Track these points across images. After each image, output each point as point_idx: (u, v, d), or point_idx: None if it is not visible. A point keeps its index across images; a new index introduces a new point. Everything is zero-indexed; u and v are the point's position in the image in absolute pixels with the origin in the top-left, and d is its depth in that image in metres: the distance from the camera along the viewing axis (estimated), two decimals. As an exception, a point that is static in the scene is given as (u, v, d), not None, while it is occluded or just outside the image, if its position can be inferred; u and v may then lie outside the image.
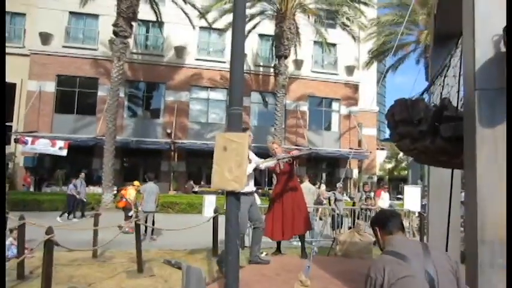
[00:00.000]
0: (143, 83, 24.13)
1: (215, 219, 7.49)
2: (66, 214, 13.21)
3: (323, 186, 14.61)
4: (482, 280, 1.97)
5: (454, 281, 1.80)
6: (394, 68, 25.53)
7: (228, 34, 21.81)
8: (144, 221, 8.84)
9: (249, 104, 24.58)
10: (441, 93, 3.60)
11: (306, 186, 9.28)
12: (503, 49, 1.96)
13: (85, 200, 14.37)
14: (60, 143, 18.75)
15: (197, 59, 24.36)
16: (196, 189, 22.28)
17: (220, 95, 24.70)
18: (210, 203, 17.35)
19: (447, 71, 3.62)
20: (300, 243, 5.75)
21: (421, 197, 11.75)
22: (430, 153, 3.03)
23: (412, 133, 2.95)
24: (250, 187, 4.82)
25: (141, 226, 7.52)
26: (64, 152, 18.67)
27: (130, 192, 11.09)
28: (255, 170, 4.93)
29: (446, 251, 2.12)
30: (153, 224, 9.62)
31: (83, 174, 14.95)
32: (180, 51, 23.84)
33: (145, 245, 7.61)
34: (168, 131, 22.84)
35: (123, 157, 22.55)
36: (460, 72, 3.40)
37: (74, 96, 22.89)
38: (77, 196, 13.65)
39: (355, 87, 27.04)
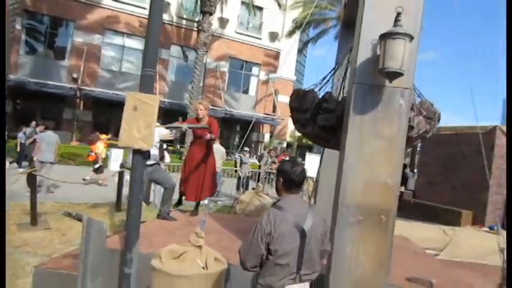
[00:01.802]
0: (47, 16, 21.37)
1: (121, 174, 7.46)
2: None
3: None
4: (338, 235, 2.50)
5: (320, 241, 2.21)
6: (315, 41, 26.53)
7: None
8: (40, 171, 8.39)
9: (168, 57, 23.73)
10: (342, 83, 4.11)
11: (216, 147, 9.59)
12: (378, 52, 2.38)
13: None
14: None
15: (115, 0, 22.33)
16: (102, 141, 21.26)
17: (137, 44, 23.22)
18: (116, 156, 16.86)
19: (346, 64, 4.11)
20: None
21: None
22: (311, 137, 3.65)
23: (300, 120, 3.45)
24: (151, 159, 4.88)
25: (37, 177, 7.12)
26: None
27: (98, 145, 11.35)
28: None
29: (333, 214, 2.59)
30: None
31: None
32: (96, -13, 21.62)
33: (41, 197, 7.12)
34: (75, 75, 20.88)
35: (16, 99, 20.34)
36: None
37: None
38: None
39: (276, 54, 27.59)
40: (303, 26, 24.26)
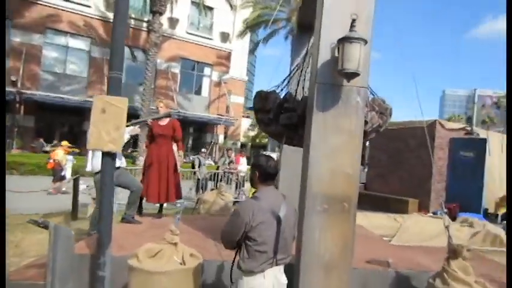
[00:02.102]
0: (-22, 13, 19.95)
1: (76, 181, 7.23)
2: None
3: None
4: (306, 222, 2.71)
5: (293, 228, 2.48)
6: (265, 41, 26.94)
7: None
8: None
9: (115, 58, 23.04)
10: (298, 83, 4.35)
11: (175, 149, 9.55)
12: (336, 54, 2.62)
13: None
14: None
15: (56, -3, 21.08)
16: (47, 148, 19.64)
17: (82, 44, 22.32)
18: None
19: (302, 65, 4.35)
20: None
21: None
22: (275, 136, 3.92)
23: (264, 120, 3.67)
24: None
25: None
26: None
27: (57, 152, 10.89)
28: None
29: (300, 204, 2.82)
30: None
31: None
32: (34, -16, 20.27)
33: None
34: (13, 78, 19.44)
35: None
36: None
37: None
38: None
39: (227, 55, 27.70)
40: (254, 26, 24.64)
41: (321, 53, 2.69)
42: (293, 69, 4.35)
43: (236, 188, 10.67)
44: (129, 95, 22.96)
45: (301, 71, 4.23)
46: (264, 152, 17.03)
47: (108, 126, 2.88)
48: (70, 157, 12.38)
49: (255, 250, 2.26)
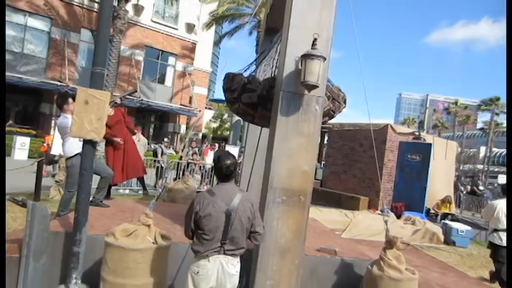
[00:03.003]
0: None
1: (40, 164, 7.26)
2: None
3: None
4: (267, 213, 3.12)
5: (247, 222, 2.63)
6: (230, 35, 27.12)
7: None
8: None
9: (77, 41, 22.37)
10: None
11: (138, 137, 9.70)
12: (299, 67, 3.04)
13: None
14: None
15: (14, -26, 20.19)
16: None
17: (41, 24, 21.43)
18: (22, 145, 15.70)
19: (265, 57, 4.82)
20: (126, 191, 6.30)
21: (238, 155, 13.65)
22: (239, 114, 4.40)
23: (230, 99, 4.09)
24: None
25: None
26: None
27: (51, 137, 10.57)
28: None
29: (262, 196, 3.16)
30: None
31: None
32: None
33: None
34: (-34, 55, 18.73)
35: None
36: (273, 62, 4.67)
37: None
38: None
39: (192, 46, 27.61)
40: (220, 19, 24.74)
41: (286, 64, 3.11)
42: (258, 56, 4.79)
43: (202, 179, 10.98)
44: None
45: (264, 58, 4.70)
46: (225, 146, 17.35)
47: (91, 117, 3.13)
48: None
49: (202, 237, 2.57)
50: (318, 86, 2.99)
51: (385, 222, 4.36)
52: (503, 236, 5.36)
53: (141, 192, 8.64)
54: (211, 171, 11.12)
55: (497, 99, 51.45)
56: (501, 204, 5.53)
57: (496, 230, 5.50)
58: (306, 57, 2.94)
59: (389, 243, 3.83)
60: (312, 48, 2.97)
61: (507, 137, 7.80)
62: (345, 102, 4.21)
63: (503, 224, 5.39)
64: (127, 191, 9.00)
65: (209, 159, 11.75)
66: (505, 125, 58.19)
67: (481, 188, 17.14)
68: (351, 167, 12.62)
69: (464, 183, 17.96)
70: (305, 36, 3.05)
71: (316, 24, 3.09)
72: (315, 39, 2.99)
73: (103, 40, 3.29)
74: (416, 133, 12.72)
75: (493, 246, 5.59)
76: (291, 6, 3.11)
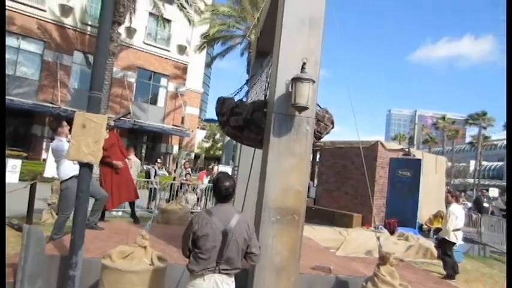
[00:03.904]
0: None
1: (33, 186, 7.22)
2: None
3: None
4: (262, 232, 3.18)
5: (243, 244, 2.66)
6: (222, 56, 27.50)
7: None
8: None
9: (70, 63, 22.51)
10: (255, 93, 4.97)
11: (132, 158, 9.72)
12: (290, 90, 3.17)
13: None
14: None
15: (10, -1, 20.48)
16: (-8, 150, 19.13)
17: (34, 47, 21.61)
18: (13, 167, 15.57)
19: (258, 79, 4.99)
20: (119, 213, 6.29)
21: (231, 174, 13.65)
22: (230, 135, 4.66)
23: (221, 121, 4.34)
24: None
25: None
26: None
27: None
28: None
29: (257, 215, 3.21)
30: None
31: None
32: (-16, -16, 19.62)
33: None
34: (-41, 78, 18.72)
35: None
36: (266, 85, 4.84)
37: None
38: None
39: (184, 67, 27.91)
40: (212, 41, 25.13)
41: (278, 87, 3.24)
42: (249, 78, 4.95)
43: (198, 200, 10.98)
44: (82, 102, 22.40)
45: (256, 80, 4.88)
46: (218, 166, 17.36)
47: (88, 140, 3.20)
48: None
49: (198, 256, 2.62)
50: (308, 108, 3.11)
51: (378, 238, 4.43)
52: (458, 234, 7.14)
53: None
54: (206, 192, 11.13)
55: (484, 113, 52.42)
56: (457, 209, 7.23)
57: (454, 230, 7.03)
58: (296, 80, 3.07)
59: (383, 259, 3.89)
60: (301, 72, 3.10)
61: (507, 137, 8.08)
62: (332, 123, 4.35)
63: (458, 225, 7.10)
64: (120, 213, 8.96)
65: (202, 185, 11.72)
66: (493, 138, 59.21)
67: (485, 205, 16.90)
68: (343, 184, 12.72)
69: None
70: (294, 60, 3.20)
71: (305, 49, 3.24)
72: (304, 63, 3.13)
73: (100, 65, 3.39)
74: (406, 149, 12.91)
75: (447, 243, 7.11)
76: (280, 32, 3.26)
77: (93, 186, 5.27)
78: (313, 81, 3.09)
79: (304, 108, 3.11)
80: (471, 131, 61.50)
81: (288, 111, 3.22)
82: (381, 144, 12.05)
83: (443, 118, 60.35)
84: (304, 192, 3.28)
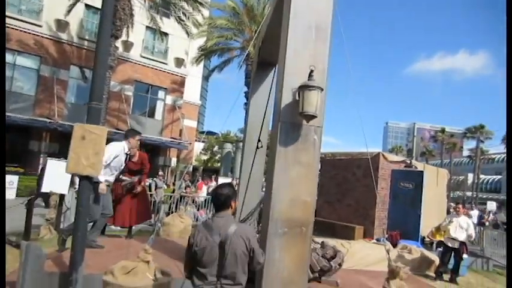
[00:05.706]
0: None
1: (30, 202, 7.06)
2: None
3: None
4: (269, 244, 3.06)
5: (243, 257, 2.56)
6: (220, 69, 27.57)
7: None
8: None
9: (67, 78, 22.49)
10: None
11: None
12: (297, 98, 3.09)
13: None
14: None
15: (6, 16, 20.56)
16: (-13, 166, 18.92)
17: (31, 62, 21.61)
18: (10, 183, 15.41)
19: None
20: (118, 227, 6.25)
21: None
22: None
23: None
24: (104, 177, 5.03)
25: None
26: None
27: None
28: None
29: (263, 227, 3.10)
30: None
31: None
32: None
33: None
34: (-46, 94, 18.59)
35: None
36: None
37: None
38: None
39: (182, 79, 27.94)
40: (209, 53, 25.19)
41: (284, 96, 3.15)
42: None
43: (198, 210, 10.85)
44: (80, 116, 22.42)
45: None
46: (220, 177, 17.21)
47: (88, 152, 3.10)
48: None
49: (198, 270, 2.56)
50: (316, 116, 3.03)
51: (387, 251, 4.31)
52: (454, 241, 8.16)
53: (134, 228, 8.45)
54: (205, 204, 10.97)
55: (482, 126, 52.69)
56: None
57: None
58: (303, 88, 3.00)
59: (392, 273, 3.78)
60: (308, 79, 3.03)
61: (507, 137, 8.09)
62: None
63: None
64: (119, 227, 8.78)
65: (202, 194, 11.60)
66: (491, 151, 59.45)
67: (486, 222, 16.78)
68: (345, 196, 12.58)
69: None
70: (301, 68, 3.13)
71: (312, 57, 3.17)
72: (312, 71, 3.06)
73: (99, 75, 3.31)
74: (408, 161, 12.83)
75: (447, 248, 8.36)
76: (286, 39, 3.19)
77: (107, 198, 5.13)
78: (321, 89, 3.02)
79: (313, 117, 3.03)
80: (469, 145, 61.85)
81: (295, 120, 3.13)
82: (383, 155, 11.96)
83: (443, 131, 60.63)
84: (312, 202, 3.18)
